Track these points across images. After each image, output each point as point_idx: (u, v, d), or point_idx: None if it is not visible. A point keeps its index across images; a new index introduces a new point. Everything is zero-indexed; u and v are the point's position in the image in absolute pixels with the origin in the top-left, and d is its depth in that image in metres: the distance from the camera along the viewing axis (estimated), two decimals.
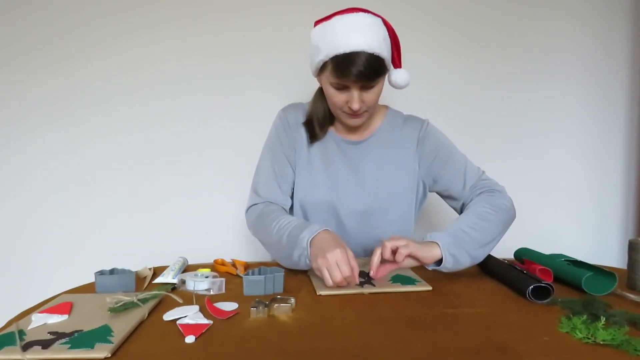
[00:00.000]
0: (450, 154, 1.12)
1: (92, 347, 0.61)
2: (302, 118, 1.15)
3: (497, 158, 1.65)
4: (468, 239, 0.93)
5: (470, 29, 1.59)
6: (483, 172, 1.12)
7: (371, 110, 1.05)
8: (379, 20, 0.97)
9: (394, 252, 0.88)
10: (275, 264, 1.05)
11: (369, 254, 1.12)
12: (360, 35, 0.91)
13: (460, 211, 1.11)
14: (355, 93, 0.96)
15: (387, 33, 0.97)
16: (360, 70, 0.91)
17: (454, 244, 0.91)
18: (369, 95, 0.99)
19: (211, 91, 1.54)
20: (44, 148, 1.52)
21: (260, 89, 1.55)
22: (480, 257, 0.96)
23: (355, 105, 0.97)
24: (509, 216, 1.03)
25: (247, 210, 1.11)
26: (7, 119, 1.51)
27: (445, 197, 1.15)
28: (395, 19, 1.55)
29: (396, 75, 1.02)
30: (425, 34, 1.58)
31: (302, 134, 1.13)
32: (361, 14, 0.95)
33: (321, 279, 0.92)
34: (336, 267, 0.84)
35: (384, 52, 0.94)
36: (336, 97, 1.00)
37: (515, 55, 1.61)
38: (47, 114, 1.51)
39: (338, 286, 0.85)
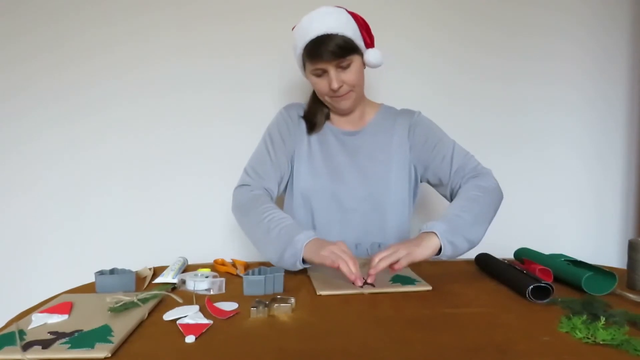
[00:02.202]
0: (439, 140, 1.17)
1: (93, 347, 0.61)
2: (302, 114, 1.21)
3: (497, 158, 1.64)
4: (463, 223, 0.96)
5: (469, 29, 1.59)
6: (472, 156, 1.15)
7: (357, 91, 1.11)
8: (341, 9, 1.06)
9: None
10: None
11: (369, 238, 1.16)
12: (321, 22, 1.02)
13: (450, 197, 1.15)
14: (331, 72, 1.04)
15: (349, 17, 1.06)
16: (328, 50, 1.00)
17: (451, 231, 0.93)
18: (347, 75, 1.06)
19: (211, 92, 1.54)
20: (44, 148, 1.52)
21: (260, 91, 1.55)
22: (477, 240, 0.99)
23: (334, 84, 1.04)
24: (498, 196, 1.08)
25: (236, 187, 1.13)
26: (7, 119, 1.51)
27: (435, 184, 1.19)
28: (396, 19, 1.56)
29: (368, 54, 1.09)
30: (425, 35, 1.58)
31: (303, 128, 1.20)
32: (322, 7, 1.05)
33: (321, 279, 0.93)
34: (341, 258, 0.86)
35: (348, 32, 1.03)
36: (319, 85, 1.09)
37: (515, 55, 1.61)
38: (46, 115, 1.51)
39: (342, 276, 0.86)
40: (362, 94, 1.18)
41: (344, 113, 1.18)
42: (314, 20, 1.03)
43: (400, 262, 0.87)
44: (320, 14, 1.03)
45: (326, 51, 1.00)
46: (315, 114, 1.19)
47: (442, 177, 1.14)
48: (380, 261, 0.87)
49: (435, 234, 0.92)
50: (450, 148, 1.15)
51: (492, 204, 1.05)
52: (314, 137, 1.19)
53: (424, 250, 0.90)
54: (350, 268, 0.85)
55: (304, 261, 0.93)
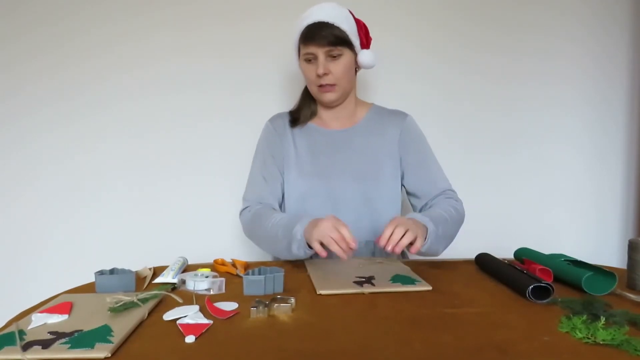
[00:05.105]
0: (427, 156, 1.21)
1: (92, 347, 0.61)
2: (288, 119, 1.23)
3: (498, 158, 1.65)
4: (442, 234, 1.01)
5: (470, 29, 1.59)
6: (450, 185, 1.21)
7: (342, 86, 1.14)
8: (344, 7, 1.11)
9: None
10: (275, 264, 1.06)
11: (362, 236, 1.16)
12: (322, 11, 1.08)
13: (420, 209, 1.19)
14: (321, 58, 1.08)
15: (349, 15, 1.11)
16: (322, 35, 1.06)
17: (436, 235, 0.97)
18: (335, 66, 1.09)
19: (211, 92, 1.54)
20: (44, 148, 1.52)
21: (260, 90, 1.55)
22: (438, 253, 1.04)
23: (320, 69, 1.08)
24: (461, 223, 1.14)
25: (240, 215, 1.19)
26: (7, 120, 1.51)
27: (411, 194, 1.22)
28: (395, 19, 1.56)
29: (362, 54, 1.13)
30: (425, 35, 1.58)
31: (289, 135, 1.22)
32: (326, 1, 1.11)
33: (321, 278, 0.93)
34: (327, 235, 0.89)
35: (344, 25, 1.08)
36: (308, 71, 1.12)
37: (515, 55, 1.61)
38: (46, 115, 1.51)
39: (339, 251, 0.89)
40: (350, 91, 1.19)
41: (328, 106, 1.20)
42: (315, 9, 1.09)
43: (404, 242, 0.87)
44: (323, 5, 1.09)
45: (319, 35, 1.06)
46: (302, 107, 1.22)
47: (422, 191, 1.18)
48: (402, 238, 0.87)
49: (427, 229, 0.96)
50: (436, 168, 1.21)
51: (458, 227, 1.12)
52: (302, 140, 1.21)
53: (421, 238, 0.92)
54: (340, 247, 0.88)
55: (310, 247, 0.97)
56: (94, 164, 1.54)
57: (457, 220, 1.10)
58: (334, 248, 0.88)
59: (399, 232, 0.87)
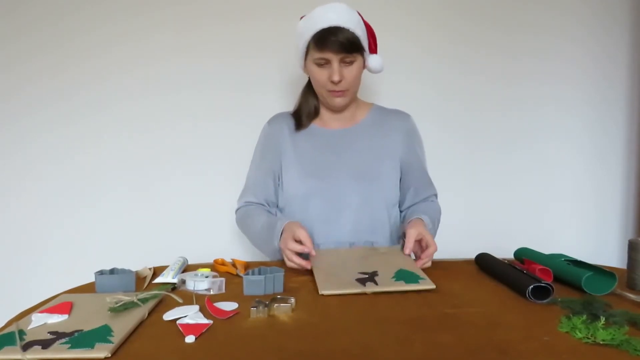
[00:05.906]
0: (423, 162, 1.25)
1: (92, 347, 0.61)
2: (287, 120, 1.23)
3: (498, 158, 1.65)
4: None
5: (470, 29, 1.59)
6: (435, 190, 1.25)
7: (353, 90, 1.14)
8: (354, 10, 1.09)
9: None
10: (275, 264, 1.06)
11: (362, 237, 1.17)
12: (336, 14, 1.05)
13: (401, 211, 1.24)
14: (335, 65, 1.07)
15: (360, 19, 1.10)
16: (338, 41, 1.03)
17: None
18: (348, 71, 1.09)
19: (211, 92, 1.54)
20: (44, 148, 1.52)
21: (260, 90, 1.55)
22: None
23: (336, 77, 1.07)
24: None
25: (235, 212, 1.25)
26: (8, 119, 1.51)
27: (400, 193, 1.25)
28: (395, 19, 1.56)
29: (371, 59, 1.14)
30: (426, 36, 1.58)
31: (286, 135, 1.22)
32: (336, 3, 1.08)
33: (324, 274, 0.93)
34: (289, 253, 0.98)
35: (358, 31, 1.07)
36: (319, 75, 1.10)
37: (515, 55, 1.61)
38: (46, 115, 1.51)
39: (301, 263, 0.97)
40: (356, 94, 1.20)
41: (335, 110, 1.20)
42: (328, 11, 1.05)
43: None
44: (335, 7, 1.06)
45: (336, 42, 1.03)
46: (304, 107, 1.21)
47: (413, 194, 1.21)
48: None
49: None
50: (427, 172, 1.24)
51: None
52: (302, 141, 1.20)
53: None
54: (297, 262, 0.97)
55: None
56: (94, 164, 1.54)
57: (437, 224, 1.18)
58: (295, 266, 0.97)
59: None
